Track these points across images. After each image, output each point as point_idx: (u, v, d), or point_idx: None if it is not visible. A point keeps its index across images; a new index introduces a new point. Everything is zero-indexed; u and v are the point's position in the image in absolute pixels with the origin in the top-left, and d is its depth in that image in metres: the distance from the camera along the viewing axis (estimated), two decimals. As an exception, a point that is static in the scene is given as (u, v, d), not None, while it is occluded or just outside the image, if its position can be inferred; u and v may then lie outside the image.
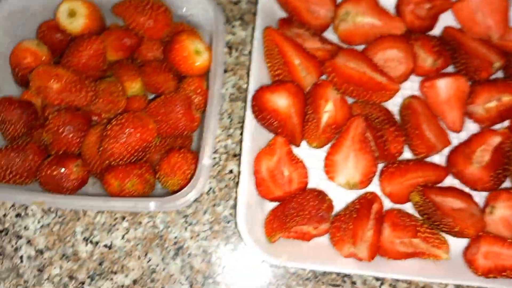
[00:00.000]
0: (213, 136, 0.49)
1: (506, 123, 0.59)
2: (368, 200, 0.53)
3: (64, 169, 0.46)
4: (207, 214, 0.55)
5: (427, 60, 0.59)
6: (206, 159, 0.48)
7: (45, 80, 0.47)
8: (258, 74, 0.57)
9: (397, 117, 0.59)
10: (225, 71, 0.62)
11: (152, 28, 0.53)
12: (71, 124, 0.47)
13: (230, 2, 0.66)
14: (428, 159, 0.58)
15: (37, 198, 0.44)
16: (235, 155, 0.58)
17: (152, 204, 0.45)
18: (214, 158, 0.57)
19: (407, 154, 0.58)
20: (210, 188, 0.56)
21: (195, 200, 0.55)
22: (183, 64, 0.53)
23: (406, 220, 0.52)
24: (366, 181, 0.54)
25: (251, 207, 0.52)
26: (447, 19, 0.62)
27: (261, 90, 0.53)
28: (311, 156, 0.57)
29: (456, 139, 0.59)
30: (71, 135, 0.47)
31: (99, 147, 0.47)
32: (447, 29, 0.62)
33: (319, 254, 0.52)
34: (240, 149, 0.58)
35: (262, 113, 0.53)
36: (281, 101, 0.52)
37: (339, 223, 0.51)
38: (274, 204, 0.54)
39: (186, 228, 0.54)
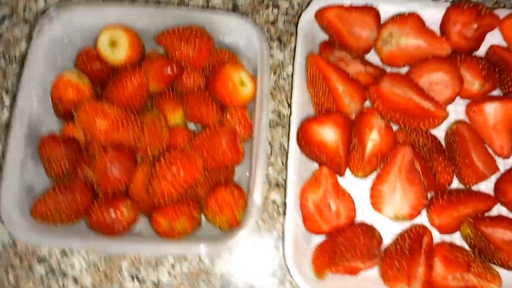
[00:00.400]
0: (263, 172, 0.48)
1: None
2: (418, 234, 0.51)
3: (114, 211, 0.45)
4: (252, 247, 0.54)
5: (473, 84, 0.57)
6: (257, 197, 0.47)
7: (91, 119, 0.45)
8: (301, 101, 0.55)
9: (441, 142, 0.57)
10: (264, 95, 0.61)
11: (195, 58, 0.52)
12: (118, 162, 0.46)
13: (267, 21, 0.64)
14: (475, 187, 0.56)
15: (88, 243, 0.44)
16: (277, 185, 0.57)
17: (203, 250, 0.44)
18: (257, 187, 0.56)
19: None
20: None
21: (239, 232, 0.55)
22: (227, 96, 0.52)
23: (459, 255, 0.50)
24: (415, 213, 0.52)
25: (298, 241, 0.51)
26: (491, 38, 0.60)
27: (307, 122, 0.52)
28: (354, 185, 0.55)
29: (502, 165, 0.57)
30: (118, 174, 0.46)
31: (148, 187, 0.46)
32: (493, 47, 0.60)
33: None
34: (283, 179, 0.56)
35: (309, 146, 0.51)
36: (329, 134, 0.51)
37: (390, 260, 0.49)
38: (320, 237, 0.53)
39: (231, 262, 0.53)
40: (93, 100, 0.49)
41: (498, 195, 0.55)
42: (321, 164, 0.54)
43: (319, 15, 0.58)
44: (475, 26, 0.58)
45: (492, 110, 0.57)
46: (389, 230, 0.54)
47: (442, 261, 0.50)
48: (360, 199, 0.55)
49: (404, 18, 0.57)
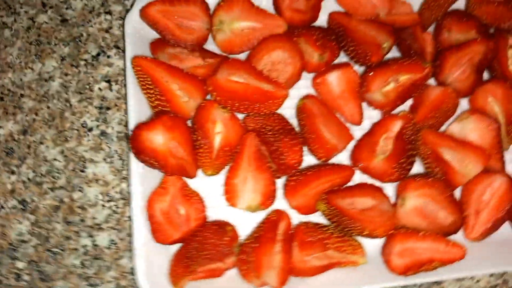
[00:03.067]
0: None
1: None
2: (272, 221, 0.50)
3: None
4: (112, 271, 0.51)
5: (313, 56, 0.56)
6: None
7: None
8: (138, 109, 0.52)
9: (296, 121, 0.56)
10: (108, 108, 0.57)
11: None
12: None
13: (101, 29, 0.60)
14: (334, 159, 0.55)
15: None
16: (131, 199, 0.54)
17: None
18: (110, 206, 0.53)
19: (312, 159, 0.55)
20: (111, 241, 0.52)
21: (96, 258, 0.52)
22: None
23: (314, 235, 0.49)
24: (268, 201, 0.51)
25: (153, 256, 0.49)
26: (332, 6, 0.58)
27: (138, 129, 0.48)
28: (211, 183, 0.53)
29: (359, 131, 0.56)
30: None
31: None
32: (331, 15, 0.58)
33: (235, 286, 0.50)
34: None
35: (141, 155, 0.48)
36: (157, 139, 0.48)
37: (243, 255, 0.48)
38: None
39: (91, 291, 0.50)
40: None
41: (353, 162, 0.54)
42: (166, 171, 0.51)
43: (143, 13, 0.55)
44: (304, -3, 0.56)
45: (334, 79, 0.56)
46: (253, 220, 0.52)
47: (298, 245, 0.49)
48: (217, 196, 0.53)
49: (230, 1, 0.55)
